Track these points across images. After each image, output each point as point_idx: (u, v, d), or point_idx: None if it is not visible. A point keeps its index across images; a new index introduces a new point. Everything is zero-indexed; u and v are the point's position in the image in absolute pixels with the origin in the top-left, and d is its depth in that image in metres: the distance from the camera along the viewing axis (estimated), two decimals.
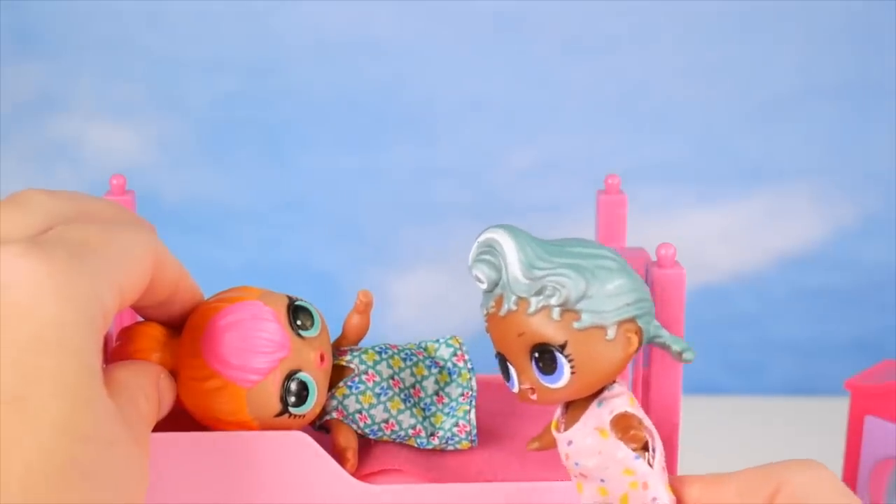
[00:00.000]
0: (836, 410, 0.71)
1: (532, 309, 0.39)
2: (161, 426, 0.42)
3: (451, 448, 0.46)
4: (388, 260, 0.99)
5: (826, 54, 0.94)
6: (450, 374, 0.47)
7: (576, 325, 0.39)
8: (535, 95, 0.95)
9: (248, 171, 0.97)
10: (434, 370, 0.47)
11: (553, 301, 0.38)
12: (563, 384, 0.39)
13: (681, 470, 0.44)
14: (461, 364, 0.47)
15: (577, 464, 0.40)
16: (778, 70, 0.94)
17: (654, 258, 0.43)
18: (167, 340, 0.43)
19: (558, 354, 0.39)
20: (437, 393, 0.47)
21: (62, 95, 0.96)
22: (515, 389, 0.40)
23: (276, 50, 0.94)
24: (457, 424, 0.46)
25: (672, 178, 0.96)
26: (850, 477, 0.63)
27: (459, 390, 0.47)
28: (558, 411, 0.41)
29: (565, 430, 0.40)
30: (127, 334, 0.43)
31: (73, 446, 0.33)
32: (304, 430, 0.44)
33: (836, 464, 0.65)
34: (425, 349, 0.48)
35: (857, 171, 0.96)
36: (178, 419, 0.44)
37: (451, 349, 0.48)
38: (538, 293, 0.39)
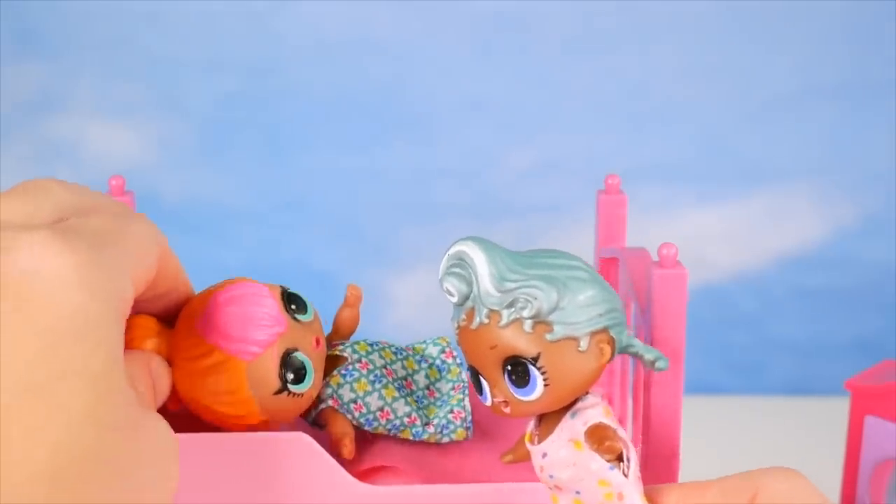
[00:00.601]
0: (836, 410, 0.71)
1: (504, 322, 0.38)
2: None
3: (446, 439, 0.46)
4: (388, 260, 0.99)
5: (825, 54, 0.94)
6: (439, 370, 0.48)
7: (548, 336, 0.38)
8: (535, 95, 0.95)
9: (248, 171, 0.97)
10: (424, 365, 0.48)
11: (525, 313, 0.38)
12: (537, 397, 0.39)
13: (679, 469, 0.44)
14: (450, 360, 0.48)
15: (551, 476, 0.40)
16: (778, 70, 0.94)
17: (655, 258, 0.43)
18: (161, 330, 0.43)
19: (531, 367, 0.38)
20: (427, 388, 0.47)
21: (62, 95, 0.96)
22: (488, 402, 0.40)
23: (276, 50, 0.94)
24: (451, 411, 0.46)
25: (672, 178, 0.96)
26: (850, 477, 0.63)
27: (450, 385, 0.47)
28: (532, 423, 0.41)
29: (539, 442, 0.40)
30: None
31: (99, 435, 0.33)
32: (300, 426, 0.44)
33: (836, 464, 0.65)
34: (413, 349, 0.48)
35: (857, 171, 0.96)
36: (176, 421, 0.43)
37: (439, 347, 0.48)
38: (510, 306, 0.38)
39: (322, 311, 0.45)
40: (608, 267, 0.54)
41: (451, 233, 0.97)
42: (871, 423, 0.61)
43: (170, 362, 0.43)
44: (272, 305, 0.43)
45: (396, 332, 0.96)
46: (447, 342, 0.48)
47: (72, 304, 0.34)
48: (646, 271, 0.44)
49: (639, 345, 0.41)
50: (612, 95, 0.95)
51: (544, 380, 0.38)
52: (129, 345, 0.42)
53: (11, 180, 1.00)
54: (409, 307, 1.00)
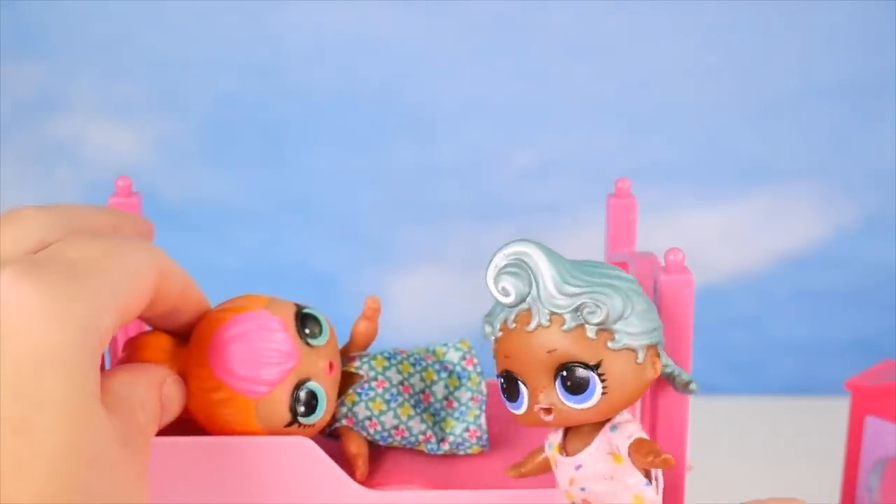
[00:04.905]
0: (836, 410, 0.71)
1: (567, 326, 0.38)
2: (167, 432, 0.42)
3: (461, 453, 0.46)
4: (388, 260, 0.99)
5: (826, 54, 0.94)
6: (459, 378, 0.47)
7: (610, 344, 0.38)
8: (535, 95, 0.95)
9: (248, 171, 0.97)
10: (443, 375, 0.47)
11: (593, 319, 0.38)
12: (591, 405, 0.38)
13: None
14: (470, 368, 0.47)
15: (583, 489, 0.39)
16: (778, 70, 0.94)
17: (662, 262, 0.43)
18: (174, 350, 0.43)
19: (591, 374, 0.38)
20: (446, 398, 0.47)
21: (62, 95, 0.96)
22: (522, 410, 0.39)
23: (276, 50, 0.94)
24: (467, 429, 0.46)
25: (672, 178, 0.96)
26: (850, 477, 0.63)
27: (469, 394, 0.47)
28: (557, 436, 0.41)
29: (569, 454, 0.40)
30: (133, 345, 0.43)
31: (78, 470, 0.33)
32: (313, 437, 0.44)
33: (837, 464, 0.65)
34: (434, 353, 0.48)
35: (858, 171, 0.96)
36: (183, 426, 0.43)
37: (460, 353, 0.47)
38: (576, 310, 0.38)
39: (322, 312, 0.45)
40: None
41: (452, 233, 0.98)
42: (871, 423, 0.61)
43: (185, 381, 0.42)
44: (281, 339, 0.42)
45: (396, 333, 0.96)
46: (468, 347, 0.48)
47: (44, 338, 0.33)
48: (652, 277, 0.43)
49: (674, 366, 0.41)
50: (612, 95, 0.95)
51: (603, 388, 0.38)
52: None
53: (12, 181, 1.00)
54: (409, 307, 1.00)
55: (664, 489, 0.43)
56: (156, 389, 0.40)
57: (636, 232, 0.54)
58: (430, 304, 0.99)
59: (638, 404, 0.48)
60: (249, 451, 0.42)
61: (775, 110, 0.95)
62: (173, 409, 0.41)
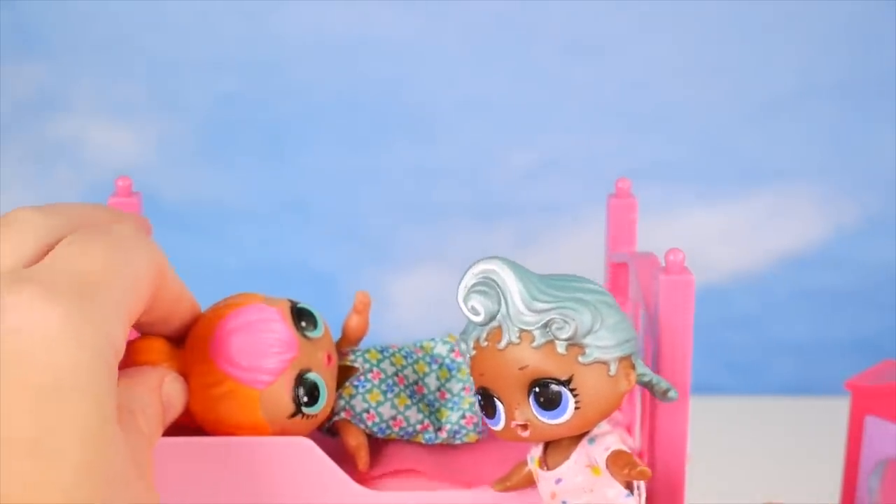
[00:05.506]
0: (836, 410, 0.71)
1: (537, 342, 0.38)
2: (167, 433, 0.42)
3: (458, 442, 0.46)
4: (388, 260, 0.99)
5: (826, 54, 0.94)
6: (449, 370, 0.48)
7: (581, 359, 0.38)
8: (535, 95, 0.95)
9: (248, 171, 0.97)
10: (434, 367, 0.48)
11: (562, 334, 0.38)
12: (565, 420, 0.38)
13: None
14: (459, 360, 0.48)
15: (564, 502, 0.40)
16: (778, 70, 0.94)
17: (662, 263, 0.43)
18: (171, 352, 0.43)
19: (563, 389, 0.38)
20: (438, 389, 0.47)
21: (62, 95, 0.96)
22: (500, 426, 0.39)
23: (276, 50, 0.94)
24: (463, 416, 0.46)
25: (672, 178, 0.96)
26: (850, 477, 0.63)
27: (460, 385, 0.47)
28: (538, 450, 0.41)
29: (549, 468, 0.40)
30: (129, 349, 0.43)
31: (95, 491, 0.33)
32: (311, 434, 0.44)
33: (837, 464, 0.65)
34: (422, 348, 0.48)
35: (858, 171, 0.96)
36: (183, 428, 0.43)
37: (448, 346, 0.48)
38: (545, 326, 0.38)
39: (322, 312, 0.45)
40: (618, 272, 0.54)
41: (451, 233, 0.98)
42: (871, 423, 0.61)
43: (185, 381, 0.42)
44: (282, 330, 0.42)
45: (396, 333, 0.96)
46: (456, 340, 0.48)
47: (59, 360, 0.33)
48: (653, 277, 0.43)
49: (651, 374, 0.41)
50: (612, 95, 0.95)
51: (576, 403, 0.38)
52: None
53: (12, 180, 1.00)
54: (409, 307, 1.00)
55: (663, 490, 0.43)
56: (155, 391, 0.40)
57: (636, 232, 0.54)
58: (430, 304, 0.99)
59: (637, 408, 0.48)
60: (249, 452, 0.42)
61: (775, 110, 0.95)
62: (176, 407, 0.41)
